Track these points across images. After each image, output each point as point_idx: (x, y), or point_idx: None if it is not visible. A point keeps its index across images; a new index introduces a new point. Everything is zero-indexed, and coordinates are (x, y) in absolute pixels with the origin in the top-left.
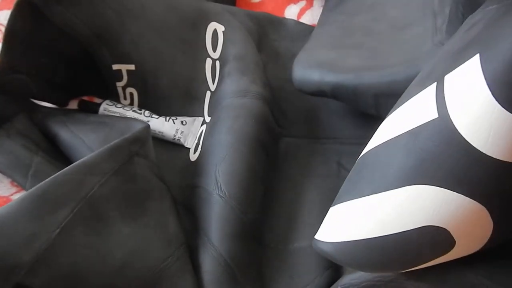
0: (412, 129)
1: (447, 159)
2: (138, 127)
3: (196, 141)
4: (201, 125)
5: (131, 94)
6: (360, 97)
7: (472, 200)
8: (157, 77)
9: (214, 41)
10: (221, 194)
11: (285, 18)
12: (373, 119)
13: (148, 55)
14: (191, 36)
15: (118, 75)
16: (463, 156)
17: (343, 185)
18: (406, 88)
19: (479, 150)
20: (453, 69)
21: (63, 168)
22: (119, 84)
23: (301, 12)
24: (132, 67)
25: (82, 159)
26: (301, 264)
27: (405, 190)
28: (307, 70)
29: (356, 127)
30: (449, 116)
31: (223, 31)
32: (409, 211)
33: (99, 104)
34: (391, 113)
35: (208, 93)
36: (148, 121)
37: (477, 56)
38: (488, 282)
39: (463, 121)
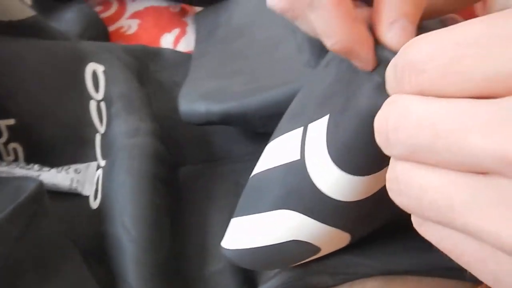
0: (283, 164)
1: (303, 193)
2: (31, 185)
3: (94, 187)
4: (96, 169)
5: (15, 150)
6: (248, 121)
7: (325, 224)
8: (41, 128)
9: (95, 82)
10: (130, 238)
11: (162, 48)
12: (262, 135)
13: (28, 106)
14: (70, 79)
15: None
16: (312, 193)
17: (239, 201)
18: (286, 107)
19: (321, 191)
20: (315, 120)
21: None
22: (0, 141)
23: (176, 40)
24: (11, 121)
25: None
26: (220, 286)
27: (277, 213)
28: (192, 104)
29: (247, 144)
30: (305, 160)
31: (103, 71)
32: (280, 229)
33: None
34: (272, 140)
35: (98, 136)
36: (39, 175)
37: (327, 117)
38: (360, 258)
39: (311, 166)
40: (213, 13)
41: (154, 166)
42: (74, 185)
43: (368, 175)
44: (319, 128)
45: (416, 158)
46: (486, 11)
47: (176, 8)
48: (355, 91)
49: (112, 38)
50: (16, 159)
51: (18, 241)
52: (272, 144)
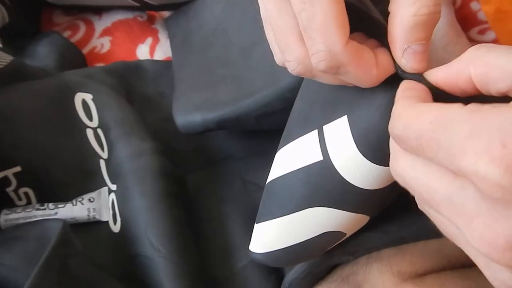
0: (304, 166)
1: (331, 189)
2: (54, 227)
3: (111, 212)
4: (109, 194)
5: (26, 194)
6: (244, 123)
7: (352, 213)
8: (47, 169)
9: (86, 110)
10: (161, 255)
11: (140, 60)
12: (257, 131)
13: (30, 151)
14: (62, 114)
15: (5, 181)
16: (342, 187)
17: (260, 206)
18: (279, 104)
19: (351, 183)
20: (329, 122)
21: None
22: (10, 189)
23: (152, 49)
24: (18, 169)
25: None
26: (250, 280)
27: (305, 212)
28: (188, 116)
29: (243, 141)
30: (330, 159)
31: (92, 99)
32: (310, 225)
33: None
34: (283, 146)
35: (102, 162)
36: (56, 213)
37: (345, 117)
38: (376, 233)
39: (340, 163)
40: (183, 17)
41: (165, 182)
42: (92, 214)
43: None
44: (339, 128)
45: None
46: None
47: (143, 16)
48: (373, 96)
49: (88, 60)
50: (29, 202)
51: (56, 285)
52: (284, 151)
